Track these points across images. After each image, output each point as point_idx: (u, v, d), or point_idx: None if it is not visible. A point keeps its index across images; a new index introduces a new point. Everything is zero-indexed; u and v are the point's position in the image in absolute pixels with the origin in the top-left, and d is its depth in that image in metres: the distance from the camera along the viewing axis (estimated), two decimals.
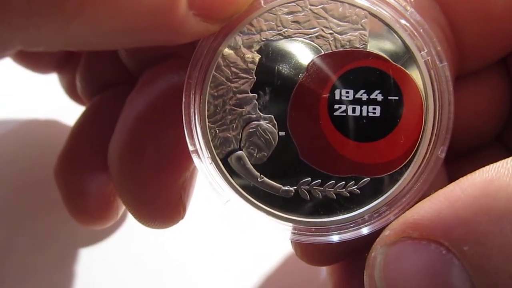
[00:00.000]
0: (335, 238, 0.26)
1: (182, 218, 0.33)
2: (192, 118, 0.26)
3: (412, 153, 0.26)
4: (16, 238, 0.39)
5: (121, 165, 0.31)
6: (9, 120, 0.45)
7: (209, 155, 0.26)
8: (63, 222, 0.35)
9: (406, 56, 0.25)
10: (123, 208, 0.35)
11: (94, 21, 0.21)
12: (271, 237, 0.27)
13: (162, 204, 0.32)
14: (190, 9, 0.23)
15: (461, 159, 0.25)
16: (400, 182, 0.26)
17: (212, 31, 0.25)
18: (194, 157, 0.26)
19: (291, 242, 0.30)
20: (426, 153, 0.26)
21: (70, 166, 0.34)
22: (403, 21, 0.25)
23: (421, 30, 0.25)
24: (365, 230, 0.26)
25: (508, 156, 0.29)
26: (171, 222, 0.32)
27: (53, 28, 0.21)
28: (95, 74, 0.37)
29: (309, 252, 0.29)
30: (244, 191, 0.26)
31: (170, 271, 0.36)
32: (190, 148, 0.26)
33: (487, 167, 0.23)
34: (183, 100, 0.26)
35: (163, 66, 0.32)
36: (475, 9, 0.26)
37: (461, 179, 0.23)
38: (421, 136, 0.26)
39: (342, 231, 0.26)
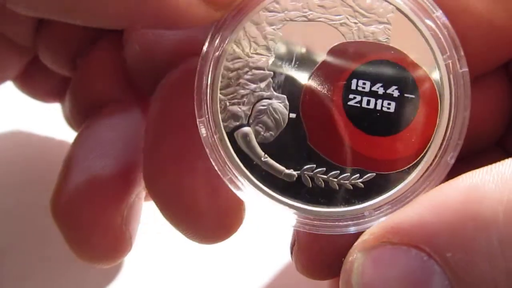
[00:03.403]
0: (331, 230, 0.25)
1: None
2: (204, 86, 0.25)
3: (422, 155, 0.25)
4: (16, 238, 0.38)
5: (165, 181, 0.28)
6: (9, 120, 0.45)
7: (216, 128, 0.25)
8: None
9: (427, 56, 0.25)
10: (133, 240, 0.32)
11: None
12: (267, 219, 0.26)
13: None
14: None
15: (460, 163, 0.25)
16: (405, 182, 0.25)
17: (214, 17, 0.24)
18: (201, 127, 0.25)
19: (291, 254, 0.29)
20: (435, 156, 0.25)
21: (68, 200, 0.30)
22: (429, 22, 0.25)
23: (446, 33, 0.25)
24: (362, 227, 0.25)
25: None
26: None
27: None
28: (86, 93, 0.34)
29: (309, 266, 0.28)
30: (246, 168, 0.25)
31: (170, 272, 0.36)
32: (198, 118, 0.25)
33: (472, 172, 0.22)
34: (198, 67, 0.25)
35: (189, 67, 0.29)
36: (480, 19, 0.26)
37: (443, 184, 0.23)
38: (433, 139, 0.25)
39: (340, 224, 0.25)
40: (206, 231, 0.28)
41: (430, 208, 0.22)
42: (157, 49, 0.30)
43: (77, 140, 0.32)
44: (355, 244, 0.23)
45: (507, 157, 0.28)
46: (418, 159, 0.25)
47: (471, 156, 0.28)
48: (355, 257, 0.23)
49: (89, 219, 0.29)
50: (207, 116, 0.25)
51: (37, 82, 0.39)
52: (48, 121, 0.45)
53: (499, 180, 0.21)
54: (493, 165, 0.22)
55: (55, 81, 0.39)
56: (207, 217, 0.28)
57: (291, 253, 0.29)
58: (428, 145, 0.25)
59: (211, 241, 0.29)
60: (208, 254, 0.39)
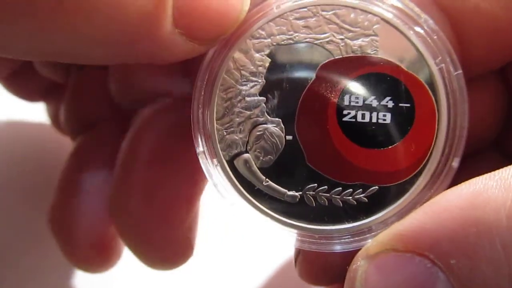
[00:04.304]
0: (338, 247, 0.25)
1: (190, 257, 0.32)
2: (200, 119, 0.26)
3: (424, 163, 0.25)
4: (16, 239, 0.39)
5: (127, 214, 0.31)
6: (9, 120, 0.45)
7: (216, 157, 0.26)
8: None
9: (419, 63, 0.25)
10: (123, 251, 0.35)
11: (70, 26, 0.20)
12: (274, 243, 0.26)
13: (170, 249, 0.31)
14: (175, 27, 0.23)
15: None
16: (410, 192, 0.25)
17: (199, 51, 0.25)
18: (201, 158, 0.26)
19: (295, 261, 0.30)
20: (438, 163, 0.25)
21: (64, 216, 0.34)
22: (417, 28, 0.25)
23: (436, 37, 0.25)
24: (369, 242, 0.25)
25: (504, 162, 0.28)
26: (179, 263, 0.32)
27: (26, 32, 0.20)
28: (79, 109, 0.36)
29: (311, 271, 0.29)
30: (249, 194, 0.26)
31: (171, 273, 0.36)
32: (197, 149, 0.26)
33: (474, 179, 0.22)
34: (193, 101, 0.26)
35: (159, 107, 0.31)
36: (482, 23, 0.25)
37: (446, 191, 0.22)
38: (434, 146, 0.25)
39: (347, 240, 0.25)
40: (158, 261, 0.32)
41: (433, 215, 0.22)
42: (130, 87, 0.32)
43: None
44: (359, 252, 0.23)
45: (504, 157, 0.27)
46: (420, 167, 0.25)
47: (468, 157, 0.28)
48: (359, 264, 0.23)
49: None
50: (205, 148, 0.26)
51: (23, 83, 0.40)
52: (47, 119, 0.44)
53: (502, 186, 0.21)
54: (496, 171, 0.22)
55: (41, 82, 0.39)
56: (161, 250, 0.31)
57: (295, 262, 0.29)
58: (430, 152, 0.25)
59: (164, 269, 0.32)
60: (210, 258, 0.39)
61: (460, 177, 0.22)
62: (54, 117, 0.40)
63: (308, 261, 0.29)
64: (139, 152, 0.31)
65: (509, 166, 0.22)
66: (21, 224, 0.40)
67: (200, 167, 0.26)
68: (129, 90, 0.32)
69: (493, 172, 0.22)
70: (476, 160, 0.28)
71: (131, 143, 0.31)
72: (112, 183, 0.31)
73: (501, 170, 0.22)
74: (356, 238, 0.25)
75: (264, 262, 0.37)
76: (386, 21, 0.25)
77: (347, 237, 0.25)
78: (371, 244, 0.23)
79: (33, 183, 0.41)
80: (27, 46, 0.22)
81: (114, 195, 0.31)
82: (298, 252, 0.29)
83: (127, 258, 0.34)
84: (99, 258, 0.34)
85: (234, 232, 0.38)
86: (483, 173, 0.22)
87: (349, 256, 0.24)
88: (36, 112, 0.43)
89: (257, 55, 0.26)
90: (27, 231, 0.39)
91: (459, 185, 0.22)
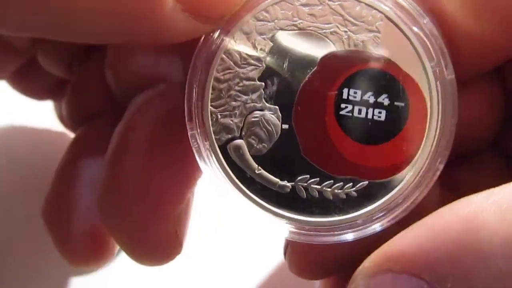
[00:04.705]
0: (326, 239, 0.25)
1: (179, 253, 0.31)
2: (194, 99, 0.25)
3: (413, 161, 0.26)
4: (16, 239, 0.38)
5: (113, 205, 0.29)
6: (7, 117, 0.44)
7: (208, 141, 0.25)
8: None
9: (416, 64, 0.25)
10: (117, 247, 0.33)
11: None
12: (264, 232, 0.26)
13: (157, 243, 0.30)
14: (177, 1, 0.21)
15: (454, 164, 0.25)
16: (397, 189, 0.26)
17: (202, 32, 0.24)
18: (192, 141, 0.25)
19: (284, 256, 0.29)
20: (425, 162, 0.26)
21: (58, 207, 0.32)
22: (416, 29, 0.25)
23: (433, 40, 0.25)
24: (357, 234, 0.25)
25: (502, 162, 0.29)
26: (167, 259, 0.30)
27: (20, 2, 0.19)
28: (79, 102, 0.35)
29: (300, 264, 0.29)
30: (240, 182, 0.25)
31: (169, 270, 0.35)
32: (189, 131, 0.25)
33: (471, 197, 0.22)
34: (187, 79, 0.25)
35: (151, 94, 0.30)
36: (470, 29, 0.26)
37: (443, 209, 0.23)
38: (422, 146, 0.26)
39: (334, 233, 0.25)
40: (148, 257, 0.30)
41: (431, 236, 0.22)
42: (127, 74, 0.30)
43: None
44: (357, 270, 0.23)
45: (502, 157, 0.29)
46: (409, 166, 0.26)
47: (467, 157, 0.29)
48: (357, 283, 0.23)
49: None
50: (198, 130, 0.25)
51: (30, 81, 0.38)
52: (48, 118, 0.43)
53: (497, 210, 0.21)
54: (492, 191, 0.22)
55: (48, 80, 0.38)
56: (148, 244, 0.30)
57: (285, 255, 0.29)
58: (418, 152, 0.26)
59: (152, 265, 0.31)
60: (199, 246, 0.38)
61: (460, 177, 0.23)
62: (61, 114, 0.39)
63: (297, 254, 0.28)
64: (129, 141, 0.29)
65: (503, 186, 0.22)
66: (21, 224, 0.38)
67: (193, 155, 0.24)
68: (126, 78, 0.30)
69: (488, 192, 0.22)
70: (475, 161, 0.29)
71: (121, 131, 0.29)
72: (101, 171, 0.29)
73: (497, 190, 0.22)
74: (343, 231, 0.25)
75: (259, 254, 0.37)
76: (389, 19, 0.25)
77: (335, 229, 0.25)
78: (368, 264, 0.23)
79: (34, 183, 0.38)
80: (21, 18, 0.20)
81: (102, 183, 0.29)
82: (287, 245, 0.29)
83: (124, 261, 0.33)
84: (92, 253, 0.31)
85: (227, 222, 0.37)
86: (482, 174, 0.22)
87: (338, 249, 0.25)
88: (39, 114, 0.42)
89: (259, 37, 0.25)
90: (28, 231, 0.38)
91: (456, 203, 0.23)
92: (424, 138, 0.26)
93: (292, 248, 0.28)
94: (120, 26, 0.22)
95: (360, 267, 0.23)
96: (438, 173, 0.26)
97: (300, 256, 0.28)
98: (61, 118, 0.40)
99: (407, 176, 0.26)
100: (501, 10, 0.25)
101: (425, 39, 0.25)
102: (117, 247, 0.33)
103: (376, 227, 0.25)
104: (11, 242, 0.38)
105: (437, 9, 0.26)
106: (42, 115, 0.43)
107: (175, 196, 0.29)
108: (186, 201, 0.29)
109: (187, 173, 0.29)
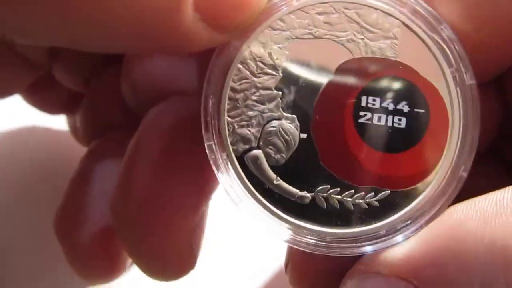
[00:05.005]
0: (348, 251, 0.25)
1: (193, 268, 0.30)
2: (210, 110, 0.24)
3: (435, 170, 0.25)
4: (16, 239, 0.37)
5: (126, 219, 0.29)
6: (9, 121, 0.44)
7: (225, 152, 0.24)
8: None
9: (435, 70, 0.25)
10: (129, 261, 0.33)
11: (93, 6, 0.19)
12: (281, 243, 0.25)
13: (171, 257, 0.29)
14: (195, 11, 0.21)
15: None
16: (420, 198, 0.25)
17: (219, 41, 0.24)
18: (209, 152, 0.24)
19: (285, 267, 0.29)
20: (448, 171, 0.25)
21: (71, 220, 0.32)
22: (434, 35, 0.25)
23: (453, 46, 0.25)
24: (379, 246, 0.25)
25: (500, 167, 0.29)
26: (181, 274, 0.30)
27: (43, 13, 0.19)
28: (94, 116, 0.35)
29: (301, 279, 0.28)
30: (258, 193, 0.24)
31: None
32: (206, 142, 0.24)
33: (457, 206, 0.23)
34: (203, 90, 0.24)
35: (165, 105, 0.30)
36: (474, 33, 0.26)
37: None
38: (445, 153, 0.25)
39: (356, 244, 0.25)
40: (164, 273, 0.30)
41: (419, 243, 0.23)
42: (143, 86, 0.30)
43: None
44: (348, 272, 0.24)
45: (500, 162, 0.28)
46: (431, 174, 0.25)
47: None
48: (347, 285, 0.23)
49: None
50: (215, 140, 0.24)
51: (44, 95, 0.38)
52: (50, 120, 0.44)
53: (481, 218, 0.22)
54: (477, 199, 0.23)
55: (62, 94, 0.38)
56: (161, 259, 0.29)
57: (286, 269, 0.28)
58: (441, 159, 0.25)
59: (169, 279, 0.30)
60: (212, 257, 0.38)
61: None
62: (74, 127, 0.39)
63: (298, 268, 0.28)
64: (142, 154, 0.28)
65: (489, 194, 0.23)
66: (21, 224, 0.38)
67: (209, 167, 0.24)
68: (141, 89, 0.30)
69: (473, 200, 0.23)
70: (473, 165, 0.29)
71: (135, 143, 0.29)
72: (115, 184, 0.29)
73: (481, 198, 0.23)
74: (367, 242, 0.24)
75: (272, 264, 0.36)
76: (406, 26, 0.25)
77: (357, 241, 0.25)
78: (359, 266, 0.24)
79: (35, 182, 0.39)
80: (42, 28, 0.20)
81: (115, 196, 0.28)
82: (288, 259, 0.28)
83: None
84: (104, 266, 0.31)
85: (242, 233, 0.36)
86: (480, 179, 0.22)
87: (341, 266, 0.24)
88: (38, 112, 0.42)
89: (275, 47, 0.25)
90: (28, 231, 0.37)
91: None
92: (447, 145, 0.25)
93: (293, 266, 0.27)
94: (140, 36, 0.22)
95: (351, 270, 0.24)
96: (463, 181, 0.25)
97: (302, 270, 0.27)
98: (74, 132, 0.40)
99: (431, 184, 0.25)
100: (502, 18, 0.25)
101: (443, 44, 0.25)
102: (129, 260, 0.33)
103: (399, 238, 0.24)
104: (11, 242, 0.37)
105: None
106: (47, 117, 0.43)
107: (190, 210, 0.28)
108: (201, 214, 0.29)
109: (202, 186, 0.28)
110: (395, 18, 0.25)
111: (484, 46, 0.26)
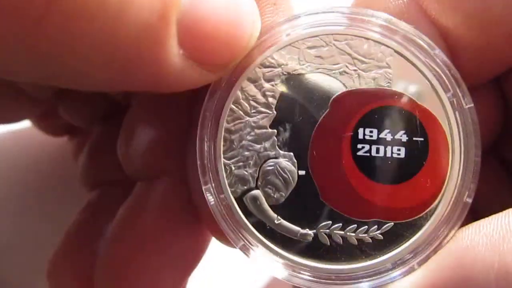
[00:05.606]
0: (356, 287, 0.24)
1: None
2: (206, 153, 0.24)
3: (438, 198, 0.24)
4: (17, 239, 0.37)
5: (104, 284, 0.29)
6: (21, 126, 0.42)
7: (223, 194, 0.24)
8: (64, 224, 0.33)
9: (431, 96, 0.25)
10: None
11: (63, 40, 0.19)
12: (287, 284, 0.24)
13: None
14: (180, 47, 0.21)
15: None
16: (425, 228, 0.24)
17: (208, 80, 0.23)
18: (207, 195, 0.24)
19: None
20: (452, 198, 0.24)
21: (62, 272, 0.32)
22: (428, 61, 0.25)
23: (447, 71, 0.25)
24: (387, 279, 0.24)
25: (500, 167, 0.29)
26: None
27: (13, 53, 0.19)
28: (95, 167, 0.35)
29: None
30: (260, 233, 0.24)
31: None
32: (203, 185, 0.24)
33: (462, 232, 0.23)
34: (198, 133, 0.24)
35: (156, 183, 0.29)
36: (475, 36, 0.26)
37: None
38: (448, 180, 0.24)
39: (364, 279, 0.24)
40: None
41: (425, 273, 0.23)
42: (134, 160, 0.30)
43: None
44: None
45: (501, 162, 0.28)
46: (435, 202, 0.24)
47: None
48: None
49: None
50: (212, 184, 0.24)
51: (50, 122, 0.39)
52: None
53: (489, 244, 0.22)
54: (481, 223, 0.22)
55: (67, 125, 0.38)
56: None
57: None
58: (444, 187, 0.24)
59: None
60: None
61: None
62: (74, 153, 0.38)
63: None
64: (125, 231, 0.28)
65: (491, 217, 0.23)
66: (21, 225, 0.38)
67: (192, 244, 0.24)
68: (133, 163, 0.30)
69: (478, 224, 0.23)
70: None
71: (120, 219, 0.29)
72: (102, 248, 0.29)
73: (485, 222, 0.22)
74: (373, 276, 0.24)
75: None
76: (399, 53, 0.25)
77: (364, 276, 0.24)
78: None
79: (36, 183, 0.39)
80: (24, 68, 0.20)
81: (100, 261, 0.29)
82: None
83: None
84: None
85: (244, 276, 0.36)
86: (481, 179, 0.22)
87: None
88: None
89: (267, 84, 0.24)
90: (29, 230, 0.37)
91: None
92: (448, 172, 0.24)
93: None
94: (121, 73, 0.21)
95: None
96: (467, 207, 0.24)
97: None
98: (74, 156, 0.39)
99: (434, 214, 0.24)
100: (504, 22, 0.25)
101: (438, 70, 0.25)
102: None
103: (406, 270, 0.24)
104: (12, 242, 0.37)
105: (440, 21, 0.26)
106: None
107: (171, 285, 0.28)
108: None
109: (183, 268, 0.29)
110: (387, 46, 0.25)
111: (484, 50, 0.26)
